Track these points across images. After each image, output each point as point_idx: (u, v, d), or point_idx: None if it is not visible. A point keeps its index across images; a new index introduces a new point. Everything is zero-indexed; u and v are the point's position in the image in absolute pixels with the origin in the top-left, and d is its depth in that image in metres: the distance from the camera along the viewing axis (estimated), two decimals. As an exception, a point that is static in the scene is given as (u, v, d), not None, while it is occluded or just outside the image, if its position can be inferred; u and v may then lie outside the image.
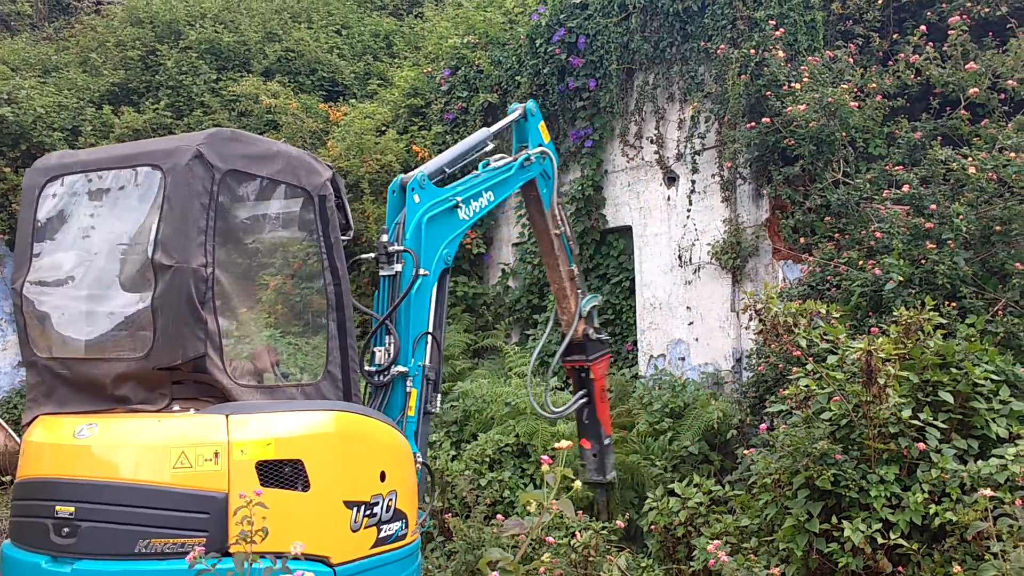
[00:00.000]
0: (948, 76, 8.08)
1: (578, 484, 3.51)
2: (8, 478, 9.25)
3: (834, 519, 5.24)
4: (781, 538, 5.45)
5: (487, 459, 8.52)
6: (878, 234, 7.42)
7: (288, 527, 4.03)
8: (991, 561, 4.59)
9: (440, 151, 9.03)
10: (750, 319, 7.96)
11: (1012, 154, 7.18)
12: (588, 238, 10.66)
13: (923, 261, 7.02)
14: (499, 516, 6.82)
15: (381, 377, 5.30)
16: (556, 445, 3.53)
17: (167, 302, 4.21)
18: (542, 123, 6.79)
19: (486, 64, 11.82)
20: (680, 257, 9.66)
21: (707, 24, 9.22)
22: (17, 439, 9.97)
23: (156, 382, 4.33)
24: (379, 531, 4.61)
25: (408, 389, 5.36)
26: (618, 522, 6.18)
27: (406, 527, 4.86)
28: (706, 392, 8.85)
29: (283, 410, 4.43)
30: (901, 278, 6.85)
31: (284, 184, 4.72)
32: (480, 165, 6.24)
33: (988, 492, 4.71)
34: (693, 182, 9.51)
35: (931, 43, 8.34)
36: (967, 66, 8.00)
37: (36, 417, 4.51)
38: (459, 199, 5.78)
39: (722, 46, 8.94)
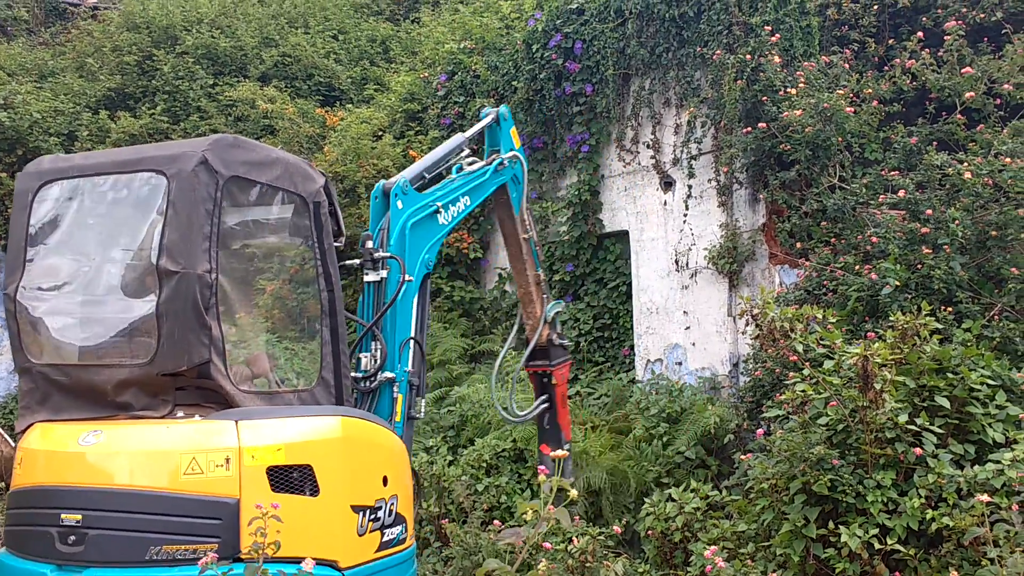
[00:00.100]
0: (944, 81, 8.10)
1: (574, 493, 3.52)
2: (1, 484, 9.21)
3: (831, 524, 5.23)
4: (778, 543, 5.45)
5: (484, 464, 8.52)
6: (874, 239, 7.44)
7: (298, 532, 4.07)
8: (988, 567, 4.59)
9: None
10: (747, 324, 7.97)
11: (1008, 159, 7.20)
12: (585, 243, 10.66)
13: (919, 266, 7.02)
14: (496, 522, 6.81)
15: (368, 383, 5.32)
16: (553, 454, 3.53)
17: (173, 308, 4.21)
18: (513, 128, 6.85)
19: (483, 69, 11.83)
20: (677, 262, 9.66)
21: (703, 29, 9.24)
22: (13, 445, 9.93)
23: (159, 388, 4.33)
24: (382, 535, 4.66)
25: (395, 395, 5.38)
26: (615, 527, 6.18)
27: (405, 531, 4.90)
28: (703, 397, 8.84)
29: (291, 415, 4.46)
30: (897, 283, 6.86)
31: (282, 190, 4.74)
32: (454, 169, 6.27)
33: (985, 498, 4.71)
34: (690, 187, 9.52)
35: (927, 49, 8.36)
36: (963, 70, 8.02)
37: (31, 424, 4.48)
38: (439, 204, 5.83)
39: (718, 51, 8.96)
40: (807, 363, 5.64)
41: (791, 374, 5.87)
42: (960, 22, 8.44)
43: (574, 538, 5.72)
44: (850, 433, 5.43)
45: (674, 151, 9.73)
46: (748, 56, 8.67)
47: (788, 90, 8.30)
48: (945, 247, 7.01)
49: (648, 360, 9.89)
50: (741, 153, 8.79)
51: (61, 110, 13.50)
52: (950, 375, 5.58)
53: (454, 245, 11.73)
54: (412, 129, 13.00)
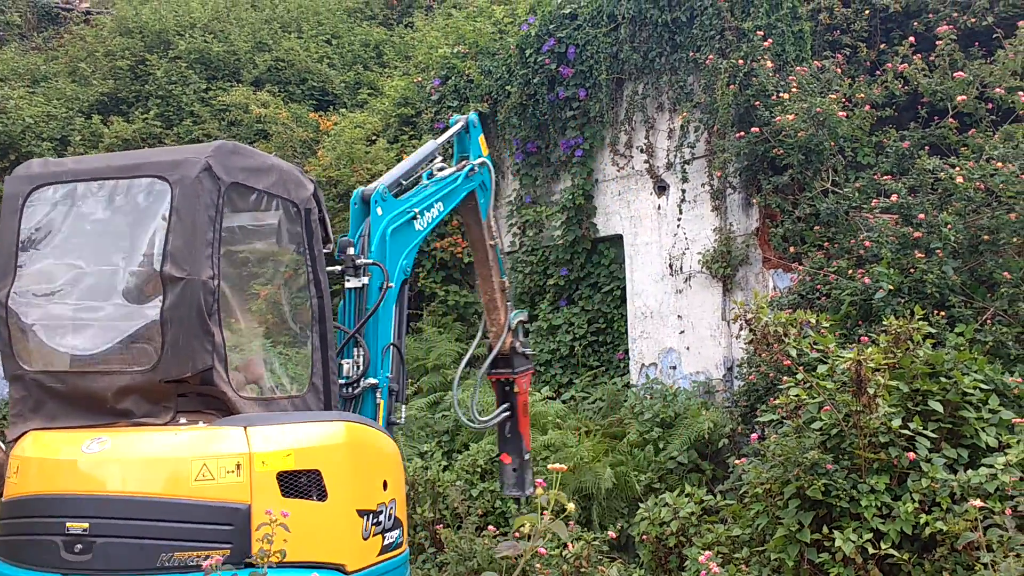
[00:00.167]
0: (936, 85, 8.13)
1: (572, 507, 3.53)
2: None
3: (825, 529, 5.25)
4: (772, 548, 5.45)
5: (479, 469, 8.52)
6: (867, 243, 7.46)
7: (307, 536, 4.10)
8: (981, 571, 4.60)
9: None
10: (740, 328, 7.99)
11: (999, 163, 7.22)
12: (579, 247, 10.66)
13: (912, 270, 7.05)
14: (491, 527, 6.81)
15: (351, 389, 5.32)
16: (550, 467, 3.54)
17: (177, 314, 4.19)
18: (482, 135, 6.89)
19: (476, 74, 11.84)
20: (671, 266, 9.68)
21: (696, 35, 9.26)
22: (5, 451, 9.87)
23: (161, 395, 4.30)
24: (383, 538, 4.68)
25: (377, 400, 5.39)
26: (610, 532, 6.18)
27: (402, 535, 4.94)
28: (697, 401, 8.86)
29: (296, 421, 4.47)
30: (890, 287, 6.88)
31: (277, 197, 4.75)
32: (424, 175, 6.30)
33: (978, 502, 4.73)
34: (683, 191, 9.54)
35: (918, 53, 8.39)
36: (955, 74, 8.05)
37: (24, 433, 4.42)
38: (416, 210, 5.86)
39: (711, 56, 8.99)
40: (801, 367, 5.66)
41: (785, 378, 5.88)
42: (951, 27, 8.49)
43: (569, 543, 5.73)
44: (844, 437, 5.44)
45: (667, 155, 9.75)
46: (741, 61, 8.70)
47: (781, 95, 8.33)
48: (938, 251, 7.03)
49: (642, 364, 9.90)
50: (734, 157, 8.81)
51: (54, 115, 13.49)
52: (943, 379, 5.60)
53: (448, 249, 11.73)
54: (406, 134, 13.00)
